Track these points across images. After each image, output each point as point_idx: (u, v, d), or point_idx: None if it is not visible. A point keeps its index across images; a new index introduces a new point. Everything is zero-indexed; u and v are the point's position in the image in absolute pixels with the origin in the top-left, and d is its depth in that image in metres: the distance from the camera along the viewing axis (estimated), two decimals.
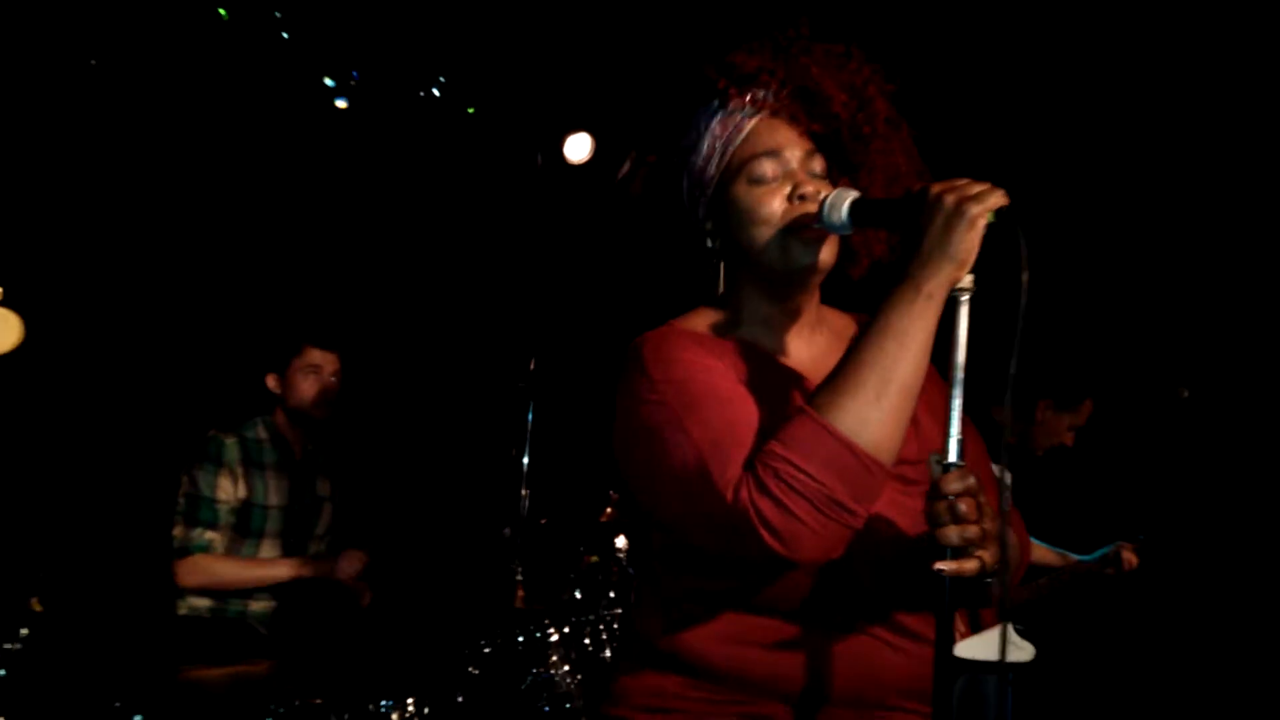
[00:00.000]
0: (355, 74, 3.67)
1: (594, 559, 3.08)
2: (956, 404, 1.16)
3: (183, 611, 3.09)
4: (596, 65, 3.76)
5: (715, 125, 1.38)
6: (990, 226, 1.14)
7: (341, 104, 3.63)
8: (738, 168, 1.36)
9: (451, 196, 4.26)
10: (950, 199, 1.14)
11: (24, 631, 2.68)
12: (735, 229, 1.36)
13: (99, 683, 3.07)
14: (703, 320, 1.43)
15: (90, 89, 3.55)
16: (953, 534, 1.13)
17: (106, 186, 3.85)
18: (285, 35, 3.38)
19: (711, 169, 1.38)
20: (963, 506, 1.13)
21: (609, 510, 3.17)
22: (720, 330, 1.41)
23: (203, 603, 3.08)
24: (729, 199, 1.37)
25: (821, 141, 1.38)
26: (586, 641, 2.90)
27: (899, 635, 1.29)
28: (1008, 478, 1.12)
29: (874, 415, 1.16)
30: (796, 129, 1.38)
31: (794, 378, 1.38)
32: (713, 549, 1.25)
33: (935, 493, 1.15)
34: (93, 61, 3.35)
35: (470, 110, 3.88)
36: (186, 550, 3.04)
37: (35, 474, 3.69)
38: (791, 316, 1.41)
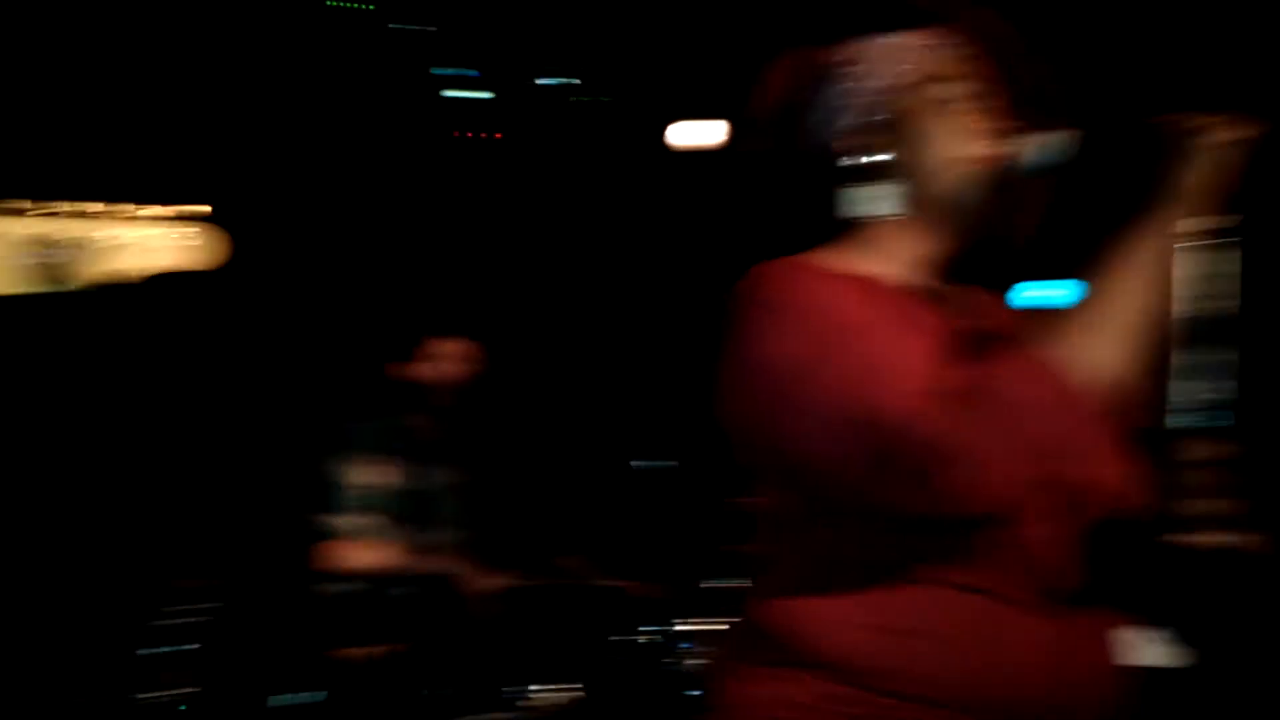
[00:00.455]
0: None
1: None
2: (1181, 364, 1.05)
3: (330, 592, 3.15)
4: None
5: (897, 46, 1.27)
6: (1234, 160, 1.04)
7: (484, 95, 3.65)
8: (921, 87, 1.25)
9: (582, 185, 4.25)
10: (1189, 128, 1.05)
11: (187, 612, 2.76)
12: (915, 153, 1.24)
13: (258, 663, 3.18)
14: (829, 258, 1.26)
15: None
16: (1197, 508, 1.02)
17: (248, 188, 3.96)
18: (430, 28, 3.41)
19: (897, 90, 1.25)
20: (1206, 478, 1.03)
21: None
22: (844, 265, 1.24)
23: (348, 585, 3.14)
24: (908, 117, 1.25)
25: (996, 81, 1.28)
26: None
27: (1082, 622, 1.15)
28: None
29: (1108, 354, 1.02)
30: (973, 68, 1.28)
31: (939, 315, 1.21)
32: (880, 500, 1.04)
33: (1171, 460, 1.05)
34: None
35: (605, 99, 3.86)
36: (331, 536, 3.10)
37: (197, 463, 3.82)
38: (940, 264, 1.27)
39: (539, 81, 3.84)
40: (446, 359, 3.28)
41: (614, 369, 4.35)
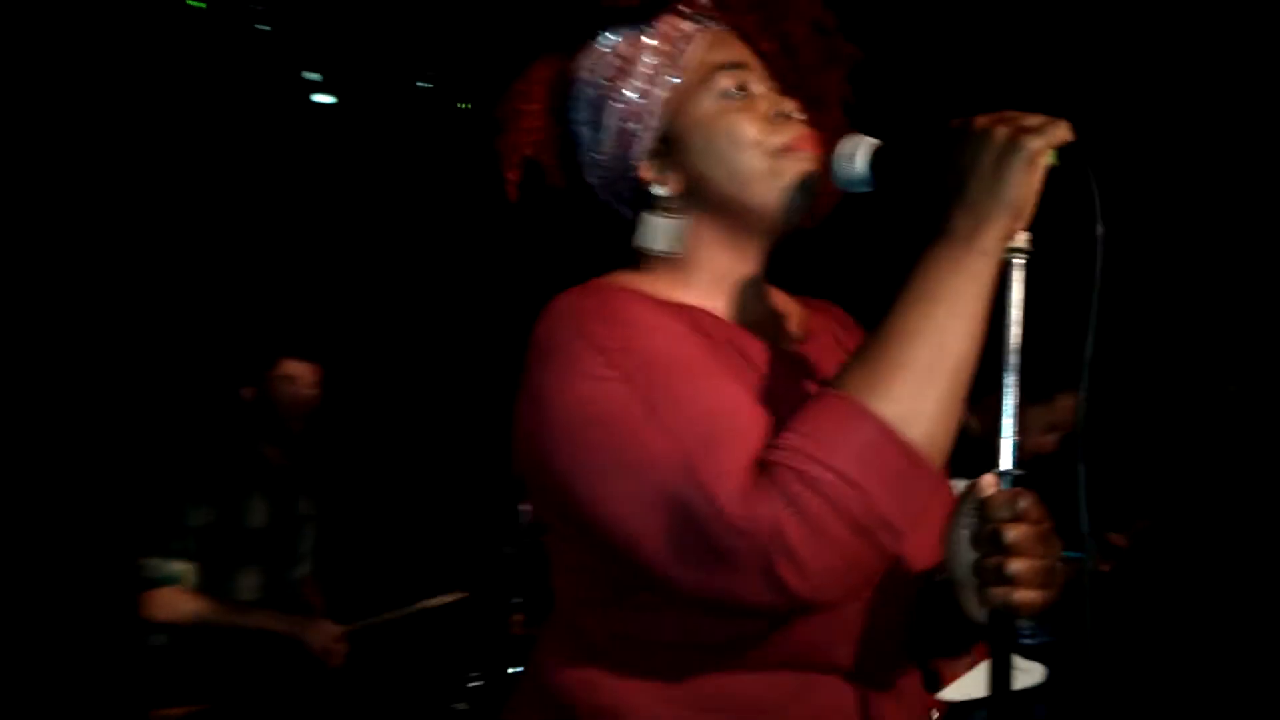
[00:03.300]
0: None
1: None
2: (1011, 393, 0.91)
3: (155, 644, 2.88)
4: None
5: (651, 40, 1.11)
6: (1051, 169, 0.90)
7: (326, 99, 3.43)
8: (696, 85, 1.10)
9: (437, 198, 4.08)
10: (1003, 132, 0.89)
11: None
12: (703, 158, 1.09)
13: None
14: (636, 280, 1.12)
15: (51, 89, 3.38)
16: (1000, 568, 0.87)
17: (76, 191, 3.68)
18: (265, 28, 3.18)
19: (659, 91, 1.10)
20: (1013, 534, 0.86)
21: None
22: (658, 292, 1.09)
23: (174, 636, 2.87)
24: (689, 125, 1.10)
25: (769, 67, 1.15)
26: None
27: (896, 688, 1.04)
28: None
29: (928, 402, 0.87)
30: (748, 48, 1.13)
31: (768, 358, 1.08)
32: (690, 584, 0.90)
33: (979, 512, 0.89)
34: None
35: (463, 105, 3.68)
36: (155, 582, 2.83)
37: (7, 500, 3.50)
38: (751, 277, 1.14)
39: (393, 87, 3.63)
40: (293, 382, 3.05)
41: (476, 391, 4.18)
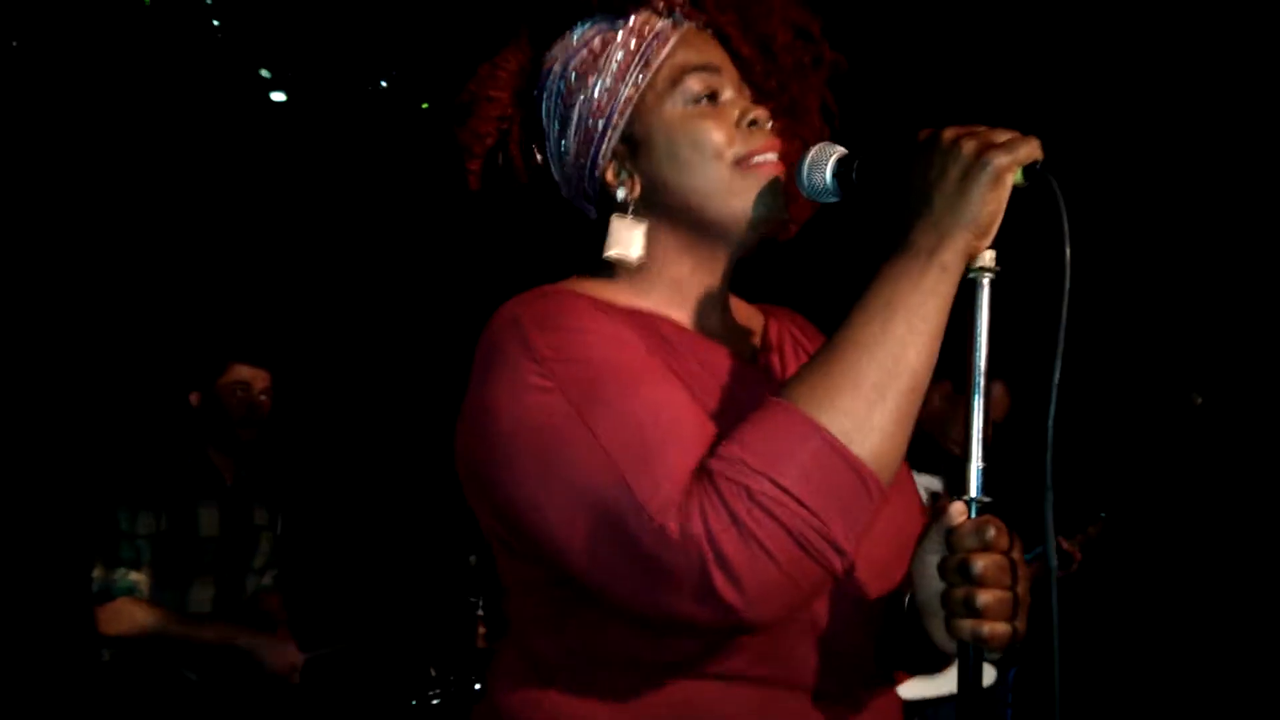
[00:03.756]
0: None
1: None
2: (977, 420, 0.89)
3: (106, 658, 2.80)
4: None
5: (624, 34, 1.07)
6: (1018, 187, 0.87)
7: (279, 97, 3.36)
8: (665, 86, 1.06)
9: (393, 198, 4.02)
10: (969, 146, 0.87)
11: None
12: (665, 163, 1.05)
13: None
14: (591, 286, 1.09)
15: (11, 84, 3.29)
16: (969, 599, 0.84)
17: (24, 193, 3.59)
18: (215, 22, 3.10)
19: (626, 88, 1.06)
20: (981, 564, 0.84)
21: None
22: (617, 298, 1.07)
23: (125, 651, 2.79)
24: (654, 127, 1.06)
25: (746, 71, 1.11)
26: None
27: (861, 706, 1.01)
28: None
29: (877, 417, 0.85)
30: (723, 49, 1.10)
31: (726, 365, 1.06)
32: (628, 599, 0.88)
33: (947, 542, 0.87)
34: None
35: (424, 105, 3.62)
36: (108, 594, 2.75)
37: None
38: (712, 286, 1.10)
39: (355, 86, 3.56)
40: (245, 388, 2.97)
41: (434, 395, 4.13)
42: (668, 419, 0.89)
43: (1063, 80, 3.49)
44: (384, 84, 3.53)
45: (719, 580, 0.82)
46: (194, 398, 2.99)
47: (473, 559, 3.07)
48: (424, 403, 4.16)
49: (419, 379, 4.18)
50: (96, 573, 2.76)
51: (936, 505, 0.91)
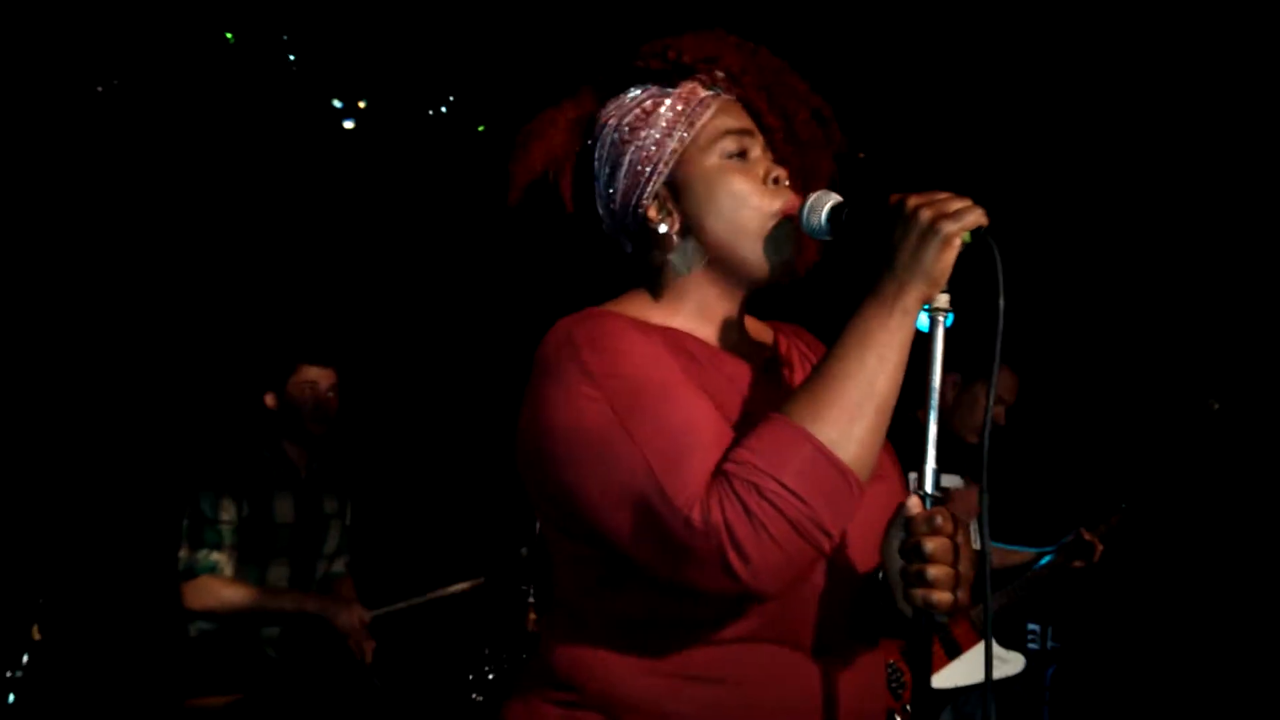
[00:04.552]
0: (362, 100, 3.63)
1: None
2: (932, 428, 1.10)
3: (193, 634, 3.06)
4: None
5: (674, 98, 1.29)
6: (966, 246, 1.08)
7: (349, 125, 3.61)
8: (706, 143, 1.28)
9: (449, 210, 4.22)
10: (926, 214, 1.08)
11: (25, 659, 2.65)
12: (702, 205, 1.27)
13: (104, 711, 3.04)
14: (629, 307, 1.31)
15: (88, 102, 3.54)
16: (921, 573, 1.05)
17: (102, 202, 3.83)
18: (291, 57, 3.36)
19: (673, 141, 1.28)
20: (930, 545, 1.05)
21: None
22: (651, 317, 1.29)
23: (212, 625, 3.05)
24: (694, 176, 1.28)
25: (769, 139, 1.32)
26: None
27: (850, 661, 1.21)
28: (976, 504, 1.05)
29: (856, 430, 1.06)
30: (754, 119, 1.31)
31: (744, 377, 1.27)
32: (661, 573, 1.09)
33: (905, 527, 1.08)
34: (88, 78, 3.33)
35: (481, 129, 3.84)
36: (193, 572, 3.01)
37: (37, 495, 3.66)
38: (732, 310, 1.32)
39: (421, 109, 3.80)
40: (313, 387, 3.21)
41: (490, 396, 4.33)
42: (694, 427, 1.09)
43: (1079, 81, 3.58)
44: (444, 109, 3.76)
45: (733, 559, 1.02)
46: (269, 398, 3.23)
47: (524, 551, 3.27)
48: (481, 405, 4.37)
49: (477, 382, 4.38)
50: (182, 553, 3.01)
51: (900, 504, 1.12)
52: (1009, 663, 3.00)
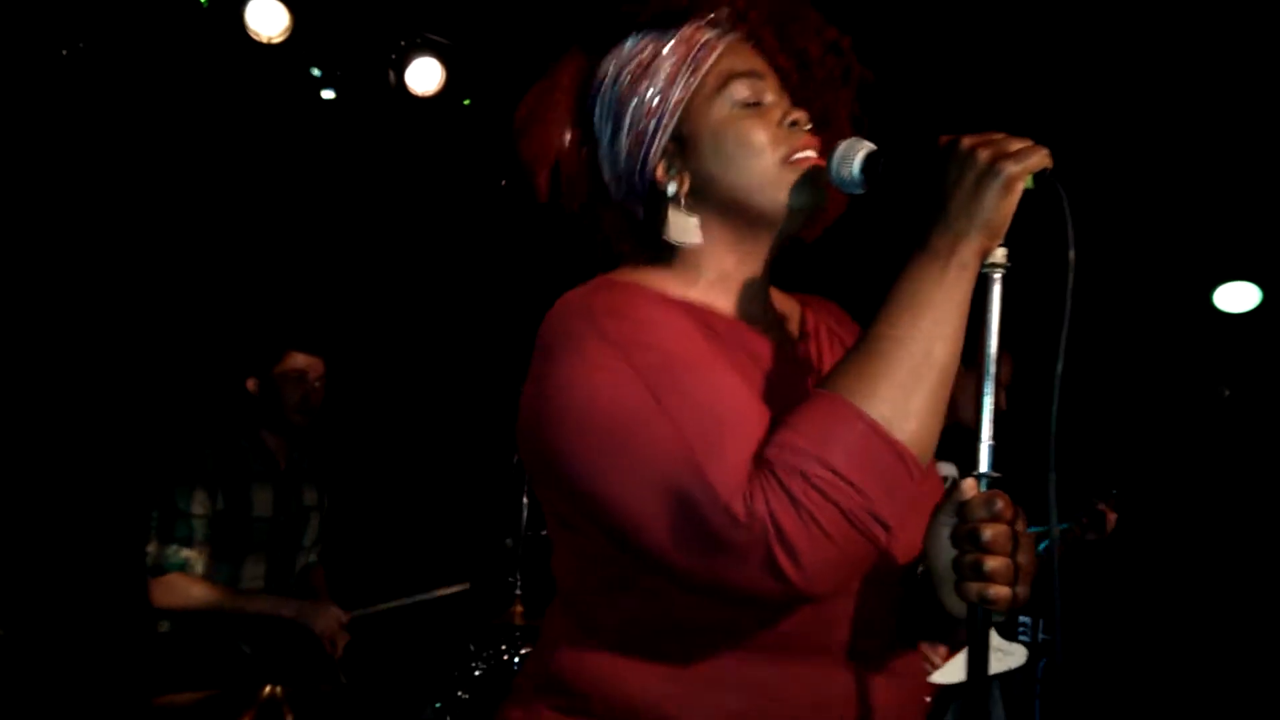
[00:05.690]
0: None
1: None
2: (988, 402, 0.97)
3: (163, 629, 2.92)
4: None
5: (674, 43, 1.16)
6: (1028, 192, 0.95)
7: (328, 94, 3.47)
8: (712, 90, 1.14)
9: (439, 197, 4.11)
10: (984, 155, 0.94)
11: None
12: (713, 160, 1.14)
13: (69, 708, 2.91)
14: (643, 276, 1.17)
15: (65, 85, 3.41)
16: (978, 564, 0.92)
17: (84, 189, 3.71)
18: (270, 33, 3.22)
19: (677, 92, 1.14)
20: (989, 532, 0.92)
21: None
22: (667, 288, 1.14)
23: (180, 622, 2.91)
24: (703, 129, 1.14)
25: (783, 80, 1.19)
26: None
27: (888, 668, 1.09)
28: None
29: (914, 404, 0.93)
30: (764, 60, 1.18)
31: (770, 353, 1.14)
32: (695, 573, 0.94)
33: (959, 513, 0.95)
34: (65, 51, 3.20)
35: (466, 102, 3.71)
36: (161, 569, 2.86)
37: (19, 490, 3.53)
38: (755, 277, 1.18)
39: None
40: (300, 376, 3.07)
41: (477, 386, 4.23)
42: (732, 408, 0.96)
43: (1079, 82, 3.51)
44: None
45: (781, 556, 0.89)
46: (251, 383, 3.08)
47: (509, 541, 3.17)
48: (467, 390, 4.27)
49: (462, 368, 4.29)
50: (151, 548, 2.86)
51: (951, 483, 0.99)
52: (1012, 655, 2.91)
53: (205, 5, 3.17)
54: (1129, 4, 3.22)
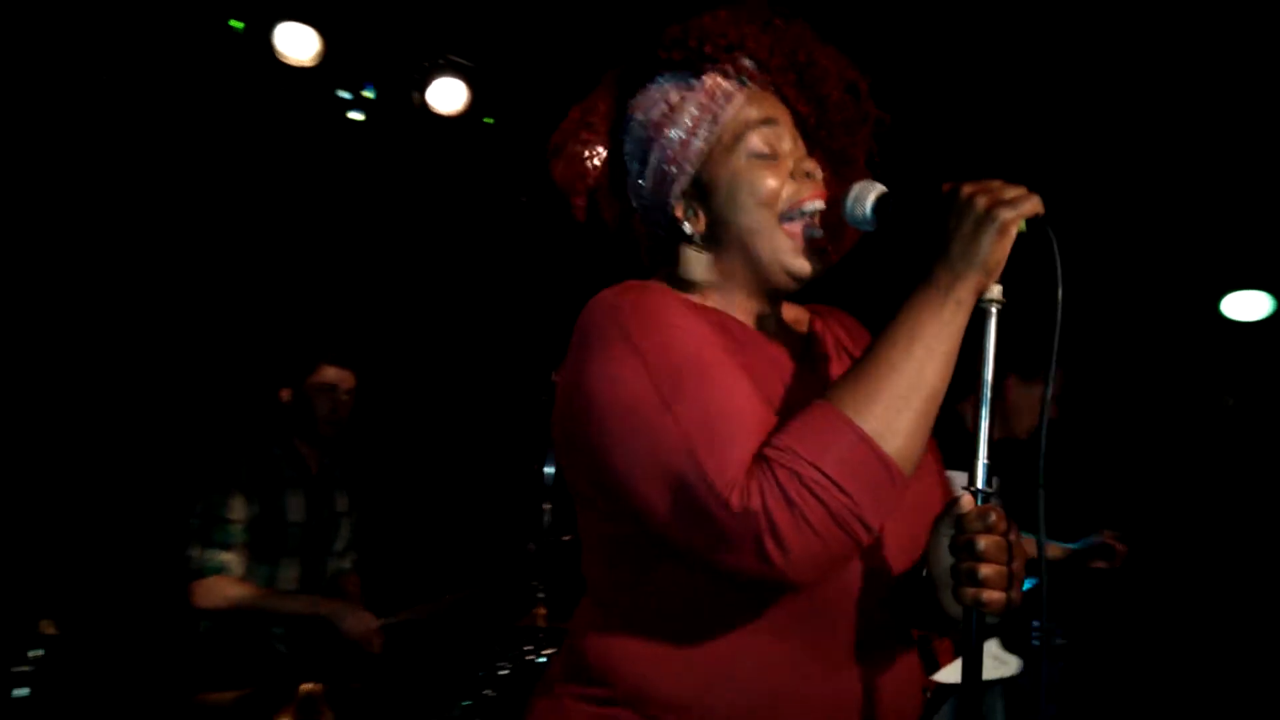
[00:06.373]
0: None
1: None
2: (984, 423, 1.08)
3: (202, 629, 3.02)
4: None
5: (697, 93, 1.26)
6: (1022, 235, 1.06)
7: (357, 116, 3.59)
8: (731, 140, 1.25)
9: (466, 212, 4.21)
10: (982, 202, 1.05)
11: (36, 654, 2.63)
12: (727, 206, 1.25)
13: (115, 706, 3.01)
14: (671, 282, 1.30)
15: (113, 100, 3.52)
16: (973, 571, 1.03)
17: (121, 200, 3.81)
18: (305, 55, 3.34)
19: (698, 141, 1.25)
20: (983, 543, 1.03)
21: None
22: (693, 296, 1.27)
23: (219, 623, 3.01)
24: (721, 177, 1.25)
25: (801, 124, 1.29)
26: None
27: (888, 659, 1.19)
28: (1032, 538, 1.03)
29: (901, 422, 1.03)
30: (784, 106, 1.28)
31: (783, 361, 1.25)
32: (696, 552, 1.06)
33: (957, 524, 1.05)
34: (106, 73, 3.32)
35: (488, 120, 3.82)
36: (201, 572, 2.97)
37: (48, 493, 3.63)
38: (768, 302, 1.30)
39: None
40: (331, 388, 3.18)
41: (500, 397, 4.32)
42: (736, 409, 1.07)
43: (1080, 82, 3.58)
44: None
45: (770, 546, 1.00)
46: (285, 394, 3.19)
47: (532, 546, 3.27)
48: (492, 401, 4.36)
49: (486, 380, 4.37)
50: (193, 552, 2.96)
51: (952, 498, 1.10)
52: (1007, 664, 2.98)
53: (240, 30, 3.29)
54: (1140, 11, 3.29)
